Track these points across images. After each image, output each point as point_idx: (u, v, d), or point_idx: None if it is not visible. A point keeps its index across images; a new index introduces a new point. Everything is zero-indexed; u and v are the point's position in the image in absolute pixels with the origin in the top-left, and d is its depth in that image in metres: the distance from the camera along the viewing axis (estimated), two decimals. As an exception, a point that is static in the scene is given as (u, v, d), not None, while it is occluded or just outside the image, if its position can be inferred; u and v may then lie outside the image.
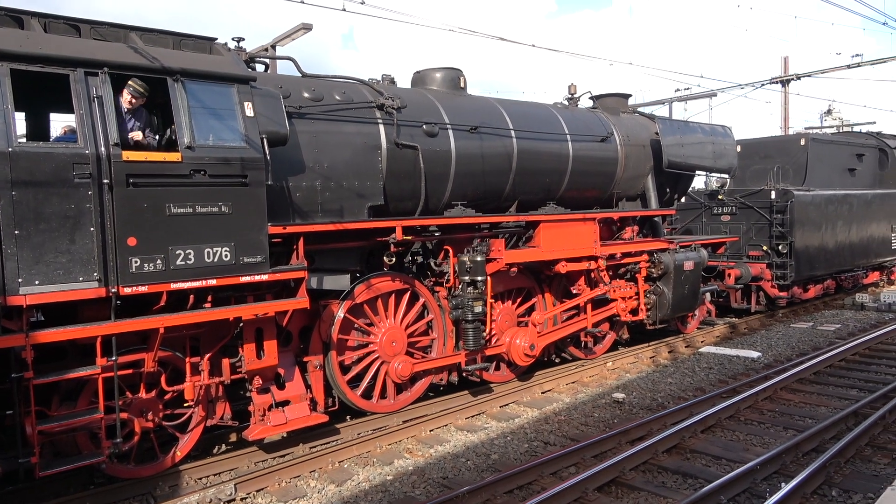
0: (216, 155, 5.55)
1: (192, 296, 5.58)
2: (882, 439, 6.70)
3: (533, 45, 13.13)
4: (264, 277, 5.82)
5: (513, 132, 8.57)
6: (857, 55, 26.20)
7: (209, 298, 5.70)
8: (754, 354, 10.53)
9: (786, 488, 5.24)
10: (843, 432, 6.75)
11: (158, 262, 5.25)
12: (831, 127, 31.82)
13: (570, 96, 10.57)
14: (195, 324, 5.72)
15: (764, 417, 7.58)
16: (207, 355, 6.02)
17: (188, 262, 5.39)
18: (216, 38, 6.16)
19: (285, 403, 6.50)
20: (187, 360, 5.94)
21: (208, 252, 5.48)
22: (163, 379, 5.83)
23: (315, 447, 6.79)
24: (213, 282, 5.53)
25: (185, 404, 6.06)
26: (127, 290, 5.10)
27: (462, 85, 8.82)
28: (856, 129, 23.39)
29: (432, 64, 10.19)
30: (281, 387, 6.57)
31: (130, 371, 5.56)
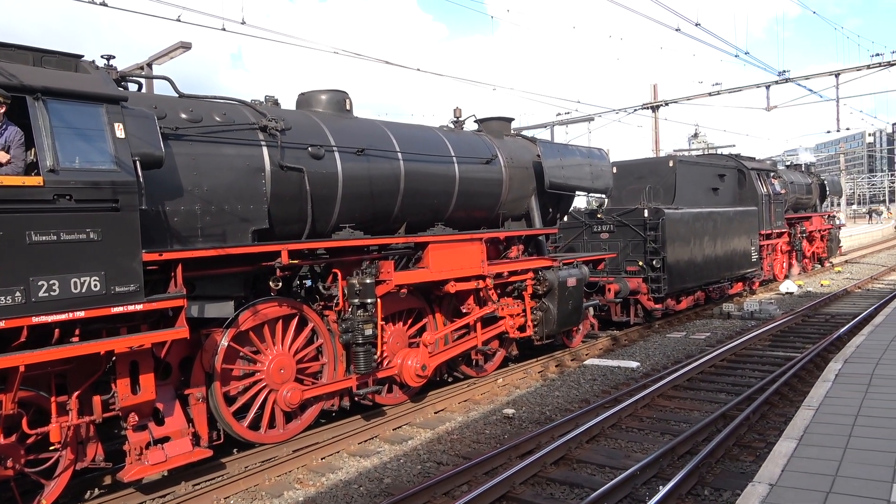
0: (83, 178, 5.22)
1: (57, 329, 5.18)
2: (748, 438, 7.23)
3: (418, 70, 13.36)
4: (139, 307, 5.50)
5: (400, 154, 8.65)
6: (717, 83, 28.43)
7: (76, 332, 5.32)
8: (634, 364, 11.09)
9: (662, 491, 5.54)
10: (713, 434, 7.23)
11: (17, 294, 4.85)
12: (697, 149, 34.30)
13: (455, 119, 10.81)
14: (61, 360, 5.31)
15: (643, 424, 7.98)
16: (76, 393, 5.60)
17: (52, 293, 5.01)
18: (83, 56, 5.83)
19: (165, 440, 6.15)
20: (53, 399, 5.50)
21: (75, 282, 5.12)
22: (24, 421, 5.36)
23: (198, 484, 6.45)
24: (80, 314, 5.16)
25: (52, 448, 5.59)
26: (-20, 327, 4.67)
27: (348, 107, 8.81)
28: (718, 151, 25.36)
29: (323, 86, 10.13)
30: (160, 422, 6.21)
31: (-15, 415, 5.07)
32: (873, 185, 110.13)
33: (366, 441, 7.80)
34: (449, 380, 10.02)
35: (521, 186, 10.70)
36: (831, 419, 5.57)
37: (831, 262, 27.22)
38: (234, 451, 7.21)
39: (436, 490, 5.99)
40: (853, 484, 4.25)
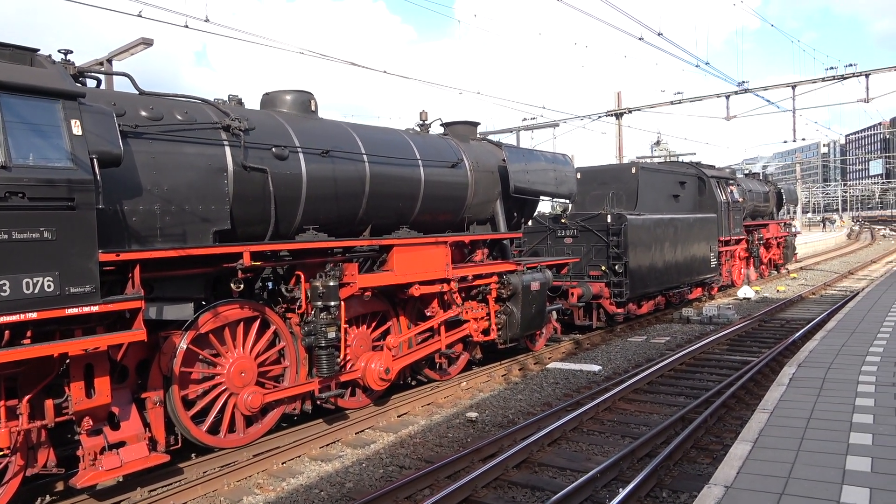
0: (37, 176, 5.07)
1: (7, 331, 5.02)
2: (705, 441, 7.37)
3: (385, 72, 13.32)
4: (94, 309, 5.36)
5: (365, 157, 8.61)
6: (678, 93, 29.02)
7: (28, 334, 5.16)
8: (596, 368, 11.22)
9: (622, 493, 5.61)
10: (672, 437, 7.35)
11: (-35, 294, 4.68)
12: (660, 156, 34.95)
13: (421, 123, 10.80)
14: (11, 362, 5.14)
15: (605, 427, 8.08)
16: (27, 397, 5.43)
17: (2, 293, 4.85)
18: (38, 49, 5.67)
19: (120, 445, 5.99)
20: (2, 403, 5.32)
21: (27, 283, 4.97)
22: (-29, 426, 5.17)
23: (155, 490, 6.31)
24: (32, 315, 5.01)
25: (0, 453, 5.41)
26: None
27: (313, 108, 8.74)
28: (680, 159, 25.86)
29: (288, 86, 10.03)
30: (115, 427, 6.05)
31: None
32: (827, 194, 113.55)
33: (328, 445, 7.72)
34: (413, 383, 10.00)
35: (487, 190, 10.75)
36: (785, 422, 5.71)
37: (787, 269, 27.93)
38: (193, 455, 7.08)
39: (398, 494, 5.96)
40: (805, 485, 4.36)
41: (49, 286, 5.07)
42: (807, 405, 6.18)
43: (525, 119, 32.01)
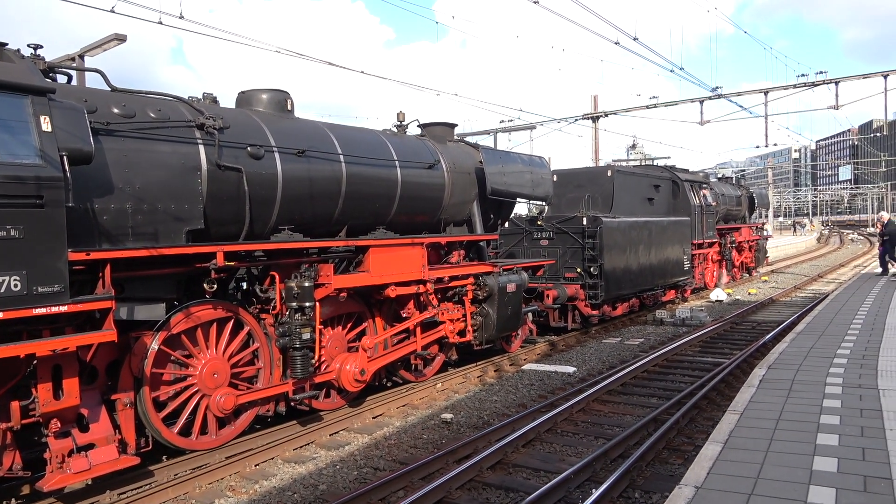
0: (4, 173, 4.97)
1: (-28, 332, 4.91)
2: (677, 442, 7.45)
3: (362, 72, 13.28)
4: (63, 309, 5.26)
5: (342, 157, 8.57)
6: (654, 97, 29.33)
7: (-6, 334, 5.05)
8: (570, 369, 11.29)
9: (595, 494, 5.65)
10: (644, 438, 7.42)
11: (-72, 293, 4.57)
12: (635, 160, 35.28)
13: (398, 123, 10.78)
14: (-24, 363, 5.03)
15: (578, 428, 8.13)
16: (-8, 398, 5.32)
17: (-33, 293, 4.74)
18: (7, 44, 5.56)
19: (89, 447, 5.88)
20: (-34, 405, 5.21)
21: (-7, 282, 4.86)
22: (-67, 429, 5.05)
23: (125, 493, 6.22)
24: (-1, 315, 4.90)
25: (-37, 456, 5.29)
26: None
27: (289, 108, 8.68)
28: (655, 162, 26.14)
29: (265, 84, 9.95)
30: (84, 429, 5.95)
31: None
32: (798, 198, 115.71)
33: (301, 447, 7.67)
34: (388, 384, 9.97)
35: (463, 192, 10.76)
36: (755, 423, 5.80)
37: (759, 272, 28.40)
38: (164, 458, 6.98)
39: (372, 496, 5.94)
40: (773, 486, 4.43)
41: (16, 285, 4.97)
42: (776, 406, 6.28)
43: (502, 121, 32.15)
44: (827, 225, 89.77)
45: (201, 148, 7.01)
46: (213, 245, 6.79)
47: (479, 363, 11.47)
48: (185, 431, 6.93)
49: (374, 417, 8.79)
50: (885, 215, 20.64)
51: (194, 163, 6.92)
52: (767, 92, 25.70)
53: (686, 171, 22.06)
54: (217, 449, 7.13)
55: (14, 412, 5.48)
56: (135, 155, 6.43)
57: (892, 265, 19.67)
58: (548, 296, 13.51)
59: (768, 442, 5.31)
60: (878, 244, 21.53)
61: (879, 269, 19.91)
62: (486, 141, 29.69)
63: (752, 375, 7.61)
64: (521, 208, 20.93)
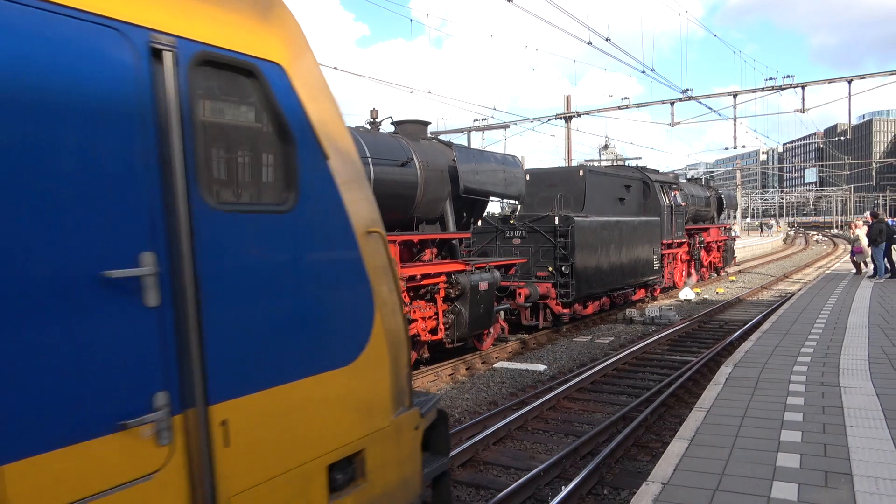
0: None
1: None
2: (645, 439, 7.55)
3: (335, 68, 13.19)
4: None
5: (314, 153, 8.49)
6: (626, 98, 29.66)
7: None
8: (541, 367, 11.36)
9: (564, 491, 5.70)
10: (613, 435, 7.50)
11: None
12: (607, 160, 35.61)
13: (372, 121, 10.74)
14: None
15: (549, 426, 8.18)
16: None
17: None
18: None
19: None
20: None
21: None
22: None
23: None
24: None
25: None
26: None
27: (261, 103, 8.58)
28: (626, 163, 26.43)
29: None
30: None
31: None
32: (765, 199, 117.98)
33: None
34: (359, 382, 9.93)
35: (436, 190, 10.76)
36: (721, 420, 5.90)
37: (726, 272, 28.88)
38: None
39: (342, 494, 5.90)
40: (738, 482, 4.51)
41: None
42: (741, 404, 6.40)
43: (476, 120, 32.26)
44: (793, 226, 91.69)
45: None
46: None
47: (450, 361, 11.48)
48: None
49: (344, 415, 8.73)
50: (867, 215, 20.60)
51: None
52: (736, 94, 26.16)
53: (657, 171, 22.35)
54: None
55: None
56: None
57: (865, 266, 19.89)
58: (520, 294, 13.59)
59: (733, 439, 5.40)
60: (853, 246, 20.61)
61: (871, 271, 18.78)
62: (459, 139, 29.76)
63: (719, 373, 7.74)
64: (494, 207, 21.00)
